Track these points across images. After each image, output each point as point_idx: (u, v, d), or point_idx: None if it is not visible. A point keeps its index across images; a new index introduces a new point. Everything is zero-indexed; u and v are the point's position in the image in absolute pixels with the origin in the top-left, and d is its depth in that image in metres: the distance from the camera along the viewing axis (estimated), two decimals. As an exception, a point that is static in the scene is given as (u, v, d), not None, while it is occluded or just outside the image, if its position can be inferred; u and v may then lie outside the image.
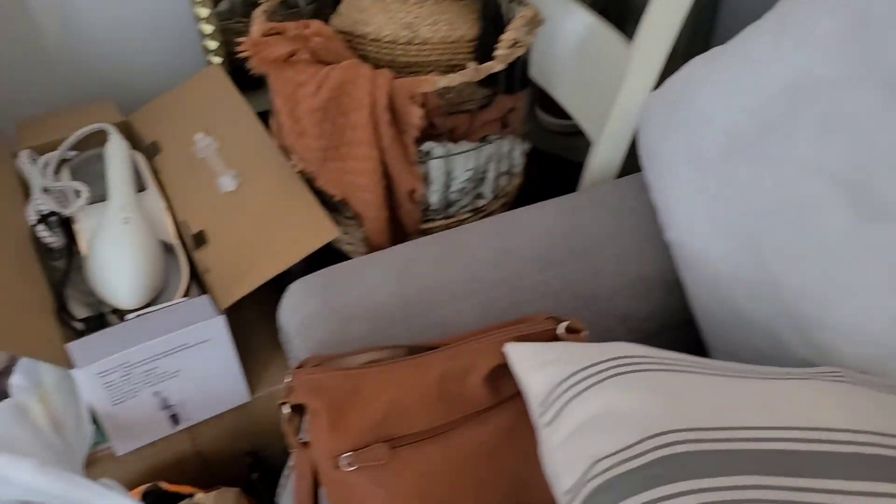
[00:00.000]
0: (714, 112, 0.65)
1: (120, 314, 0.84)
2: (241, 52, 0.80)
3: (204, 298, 0.82)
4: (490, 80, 0.83)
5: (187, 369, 0.82)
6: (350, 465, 0.57)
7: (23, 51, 1.13)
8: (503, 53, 0.81)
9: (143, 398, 0.81)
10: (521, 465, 0.59)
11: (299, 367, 0.62)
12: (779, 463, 0.42)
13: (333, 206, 0.91)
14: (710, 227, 0.66)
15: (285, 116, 0.84)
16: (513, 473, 0.59)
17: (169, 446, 0.88)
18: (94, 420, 0.81)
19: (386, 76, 0.77)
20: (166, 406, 0.84)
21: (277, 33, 0.80)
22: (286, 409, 0.60)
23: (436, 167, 0.84)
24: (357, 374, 0.60)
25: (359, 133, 0.78)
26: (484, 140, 0.89)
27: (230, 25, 1.17)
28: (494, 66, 0.80)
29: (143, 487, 0.84)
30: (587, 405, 0.49)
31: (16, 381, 0.79)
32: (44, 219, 0.90)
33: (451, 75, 0.77)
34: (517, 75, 0.87)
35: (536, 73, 1.03)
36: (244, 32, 1.02)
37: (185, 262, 0.89)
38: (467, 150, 0.86)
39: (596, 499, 0.44)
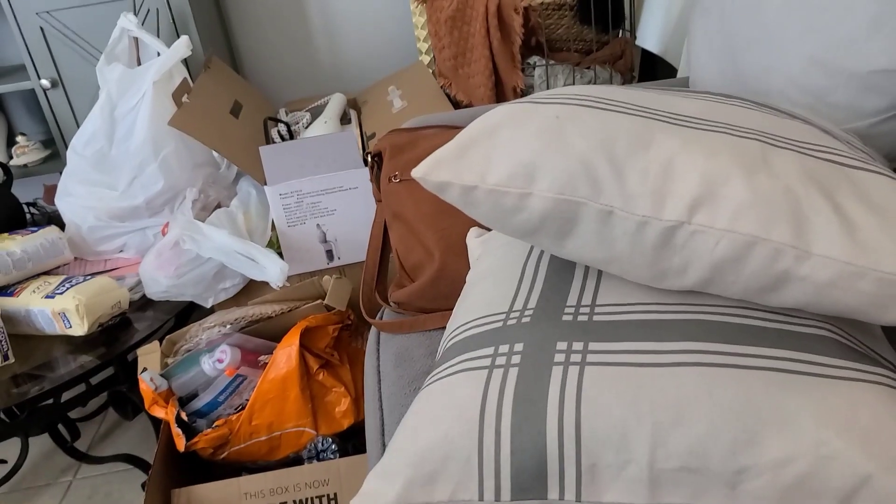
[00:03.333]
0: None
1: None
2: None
3: (355, 149, 1.13)
4: (585, 17, 1.08)
5: (342, 210, 1.12)
6: (396, 179, 0.82)
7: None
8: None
9: (309, 227, 1.13)
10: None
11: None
12: None
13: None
14: (708, 56, 0.83)
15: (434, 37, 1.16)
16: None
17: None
18: (276, 245, 1.14)
19: (498, -8, 1.06)
20: (324, 240, 1.14)
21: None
22: (367, 159, 0.88)
23: (538, 75, 1.10)
24: (418, 133, 0.86)
25: (476, 38, 1.07)
26: (588, 69, 1.12)
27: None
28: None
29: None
30: None
31: (234, 201, 1.16)
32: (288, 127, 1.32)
33: (545, -5, 1.04)
34: (609, 14, 1.11)
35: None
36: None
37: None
38: (564, 66, 1.10)
39: None
